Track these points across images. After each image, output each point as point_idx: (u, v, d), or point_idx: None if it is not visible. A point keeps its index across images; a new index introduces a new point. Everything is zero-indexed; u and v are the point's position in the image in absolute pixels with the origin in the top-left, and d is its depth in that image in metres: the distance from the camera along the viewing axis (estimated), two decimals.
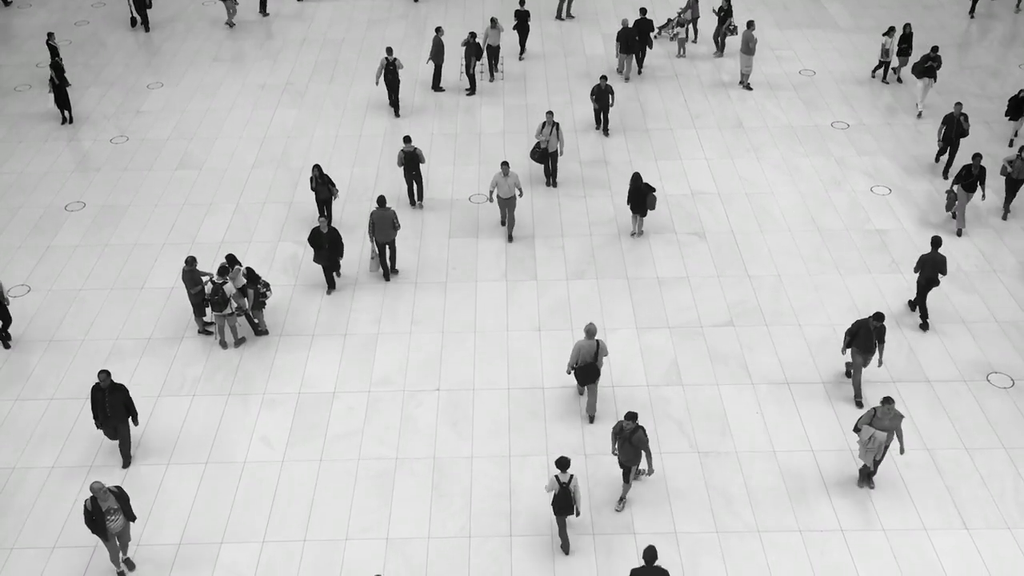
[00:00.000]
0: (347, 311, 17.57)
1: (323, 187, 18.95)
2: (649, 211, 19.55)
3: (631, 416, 12.88)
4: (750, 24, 23.95)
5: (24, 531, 13.61)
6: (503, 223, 19.46)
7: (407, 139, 19.71)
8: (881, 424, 13.29)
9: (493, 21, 24.65)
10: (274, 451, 14.80)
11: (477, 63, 24.63)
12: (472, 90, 24.86)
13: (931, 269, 16.38)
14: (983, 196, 18.88)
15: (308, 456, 14.70)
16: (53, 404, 15.69)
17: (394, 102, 23.86)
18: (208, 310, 17.43)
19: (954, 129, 20.32)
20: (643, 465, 14.47)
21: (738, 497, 13.91)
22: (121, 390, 13.92)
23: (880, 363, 14.93)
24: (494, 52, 24.96)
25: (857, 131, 22.95)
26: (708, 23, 28.69)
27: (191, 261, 16.33)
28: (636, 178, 18.68)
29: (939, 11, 29.34)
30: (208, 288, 16.19)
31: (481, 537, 13.40)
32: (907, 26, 24.41)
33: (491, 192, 18.67)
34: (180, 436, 15.09)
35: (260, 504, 13.95)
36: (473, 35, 24.15)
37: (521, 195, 19.06)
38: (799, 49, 27.05)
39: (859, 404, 15.35)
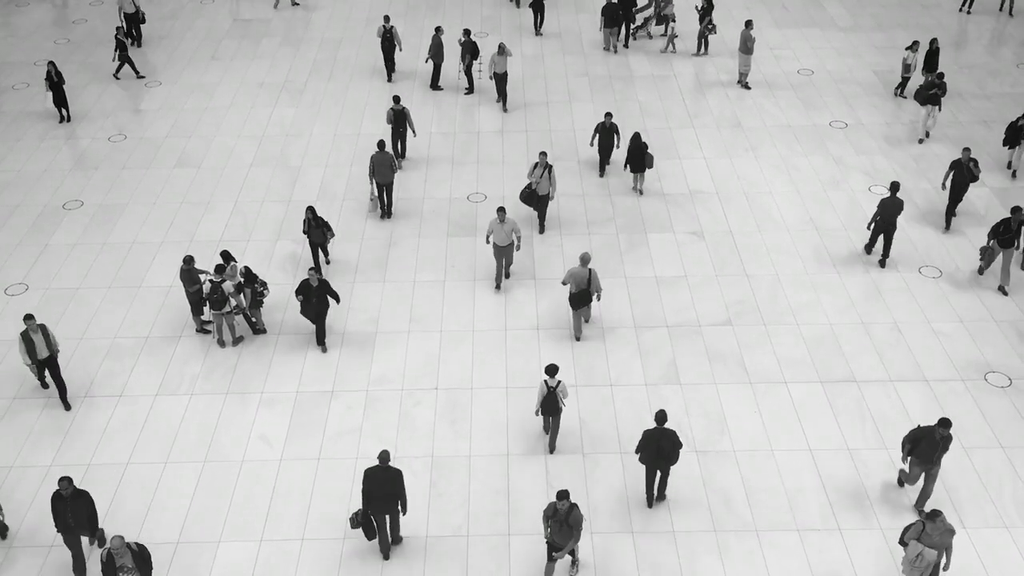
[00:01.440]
0: (345, 310, 17.56)
1: (317, 231, 17.68)
2: (648, 169, 21.00)
3: (563, 495, 11.62)
4: (748, 23, 23.96)
5: (22, 529, 13.60)
6: (496, 283, 17.80)
7: (396, 99, 21.24)
8: (931, 540, 11.71)
9: (501, 47, 23.00)
10: (272, 450, 14.80)
11: (473, 62, 24.52)
12: (470, 89, 24.85)
13: (890, 213, 17.81)
14: None
15: (306, 455, 14.70)
16: (51, 403, 15.68)
17: (388, 67, 25.35)
18: (206, 308, 17.41)
19: (963, 176, 18.60)
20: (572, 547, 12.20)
21: (736, 496, 13.93)
22: (84, 498, 12.27)
23: (935, 477, 13.09)
24: (501, 79, 23.49)
25: (855, 130, 22.97)
26: (690, 24, 28.68)
27: (189, 260, 16.32)
28: (636, 138, 20.14)
29: (936, 10, 29.36)
30: (207, 287, 16.19)
31: (479, 536, 13.40)
32: (933, 41, 23.38)
33: (488, 236, 17.31)
34: (178, 435, 15.08)
35: (258, 503, 13.95)
36: (467, 32, 24.16)
37: (519, 247, 17.52)
38: (797, 48, 27.06)
39: (900, 484, 13.70)
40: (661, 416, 12.98)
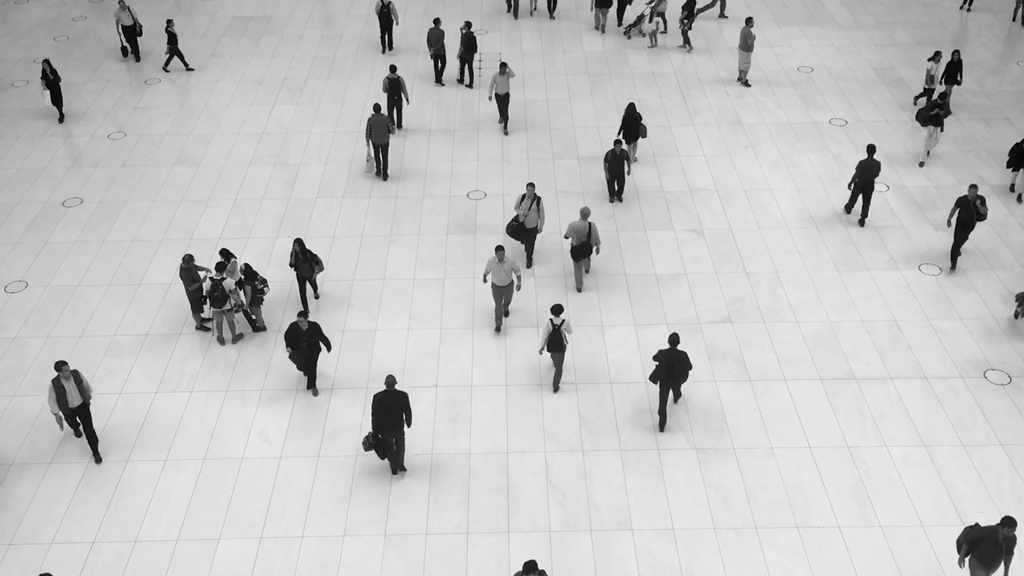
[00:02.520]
0: (345, 307, 17.56)
1: (304, 264, 16.64)
2: (641, 139, 21.79)
3: (530, 567, 10.88)
4: (748, 21, 23.95)
5: (22, 526, 13.61)
6: (496, 324, 16.82)
7: (392, 68, 22.37)
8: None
9: (502, 67, 21.92)
10: (272, 447, 14.80)
11: (472, 56, 24.55)
12: (470, 83, 24.88)
13: (868, 174, 18.88)
14: None
15: (306, 452, 14.70)
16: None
17: (385, 41, 26.54)
18: (206, 306, 17.41)
19: (970, 215, 17.57)
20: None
21: (735, 494, 13.93)
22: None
23: None
24: (503, 100, 22.43)
25: (855, 128, 22.96)
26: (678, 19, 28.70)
27: (188, 259, 16.31)
28: (630, 108, 20.89)
29: (937, 8, 29.35)
30: (207, 285, 16.18)
31: (479, 533, 13.41)
32: (956, 53, 22.58)
33: (485, 275, 16.37)
34: (178, 432, 15.09)
35: (258, 500, 13.95)
36: (468, 24, 24.26)
37: (519, 286, 16.46)
38: (797, 46, 27.05)
39: None
40: (674, 338, 14.40)
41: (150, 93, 25.05)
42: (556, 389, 15.65)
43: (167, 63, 25.93)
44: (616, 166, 19.61)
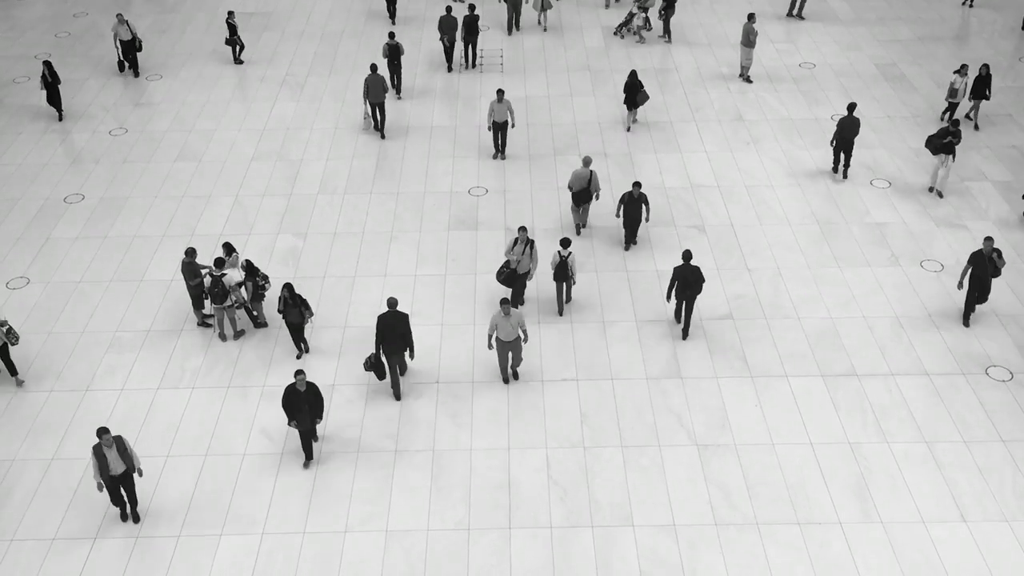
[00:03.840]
0: (346, 303, 17.56)
1: (294, 310, 15.64)
2: (640, 105, 22.23)
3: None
4: (751, 17, 23.91)
5: (24, 522, 13.63)
6: (503, 377, 15.76)
7: (391, 35, 23.36)
8: None
9: (499, 93, 20.64)
10: (274, 443, 14.81)
11: (474, 39, 25.41)
12: (473, 63, 25.72)
13: (848, 131, 19.99)
14: None
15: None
16: (52, 396, 15.70)
17: (391, 11, 27.73)
18: (207, 302, 17.41)
19: (985, 271, 16.14)
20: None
21: (737, 490, 13.93)
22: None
23: None
24: (500, 129, 21.23)
25: None
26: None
27: (191, 253, 16.32)
28: (632, 75, 21.81)
29: (938, 4, 29.30)
30: (207, 281, 16.18)
31: (480, 529, 13.42)
32: (984, 67, 21.66)
33: (490, 337, 15.18)
34: (179, 428, 15.10)
35: (259, 496, 13.96)
36: (472, 7, 24.90)
37: (527, 339, 15.45)
38: (799, 42, 27.01)
39: None
40: (687, 254, 15.95)
41: (151, 90, 25.04)
42: (561, 313, 17.05)
43: (239, 55, 26.04)
44: (633, 211, 18.08)
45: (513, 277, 16.76)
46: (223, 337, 16.73)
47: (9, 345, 15.17)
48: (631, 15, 27.08)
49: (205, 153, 22.26)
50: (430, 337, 16.79)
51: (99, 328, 17.14)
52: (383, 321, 14.75)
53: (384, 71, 25.72)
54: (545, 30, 27.69)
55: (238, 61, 26.14)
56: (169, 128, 23.29)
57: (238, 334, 16.79)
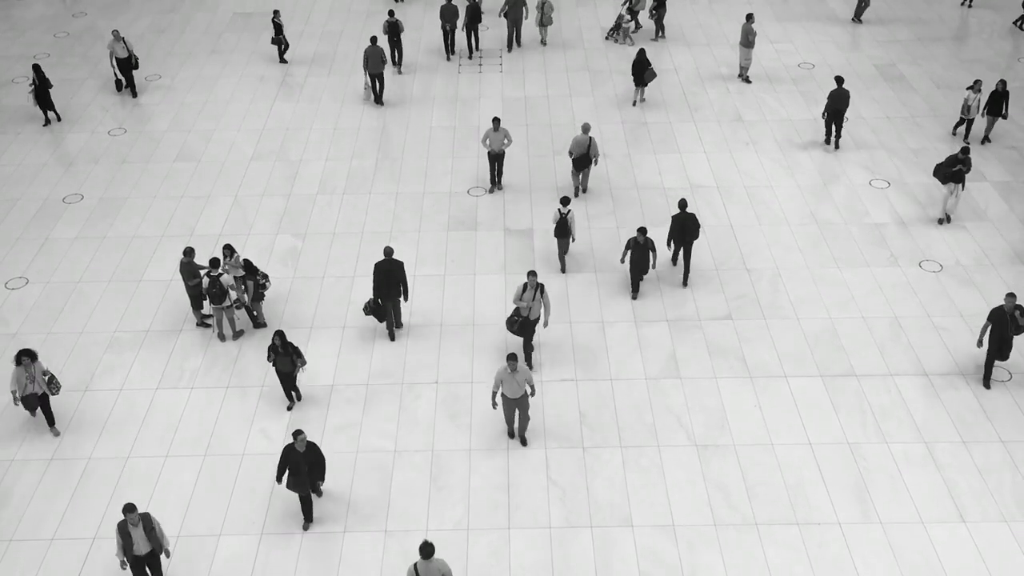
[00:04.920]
0: (345, 303, 17.56)
1: (285, 358, 14.73)
2: (648, 82, 23.23)
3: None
4: (749, 17, 23.92)
5: (23, 523, 13.62)
6: (509, 431, 14.82)
7: (391, 12, 24.43)
8: None
9: (495, 122, 19.70)
10: (273, 443, 14.80)
11: (478, 25, 26.05)
12: (477, 49, 26.29)
13: (838, 103, 20.99)
14: None
15: None
16: (52, 396, 15.68)
17: None
18: (206, 302, 17.40)
19: (1006, 330, 14.99)
20: None
21: (736, 490, 13.94)
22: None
23: None
24: (496, 159, 20.17)
25: (855, 124, 22.94)
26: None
27: (189, 252, 16.31)
28: (641, 52, 22.87)
29: (938, 4, 29.31)
30: (205, 281, 16.17)
31: (479, 530, 13.42)
32: (1001, 83, 21.01)
33: (494, 395, 14.19)
34: (179, 428, 15.09)
35: (259, 496, 13.96)
36: None
37: (533, 392, 14.41)
38: (798, 42, 27.02)
39: None
40: (683, 202, 17.13)
41: (150, 90, 25.03)
42: (564, 270, 18.09)
43: (283, 54, 25.99)
44: (639, 258, 16.99)
45: (525, 325, 15.64)
46: (222, 337, 16.72)
47: (49, 395, 14.75)
48: (620, 17, 27.08)
49: (204, 153, 22.25)
50: (429, 337, 16.78)
51: (98, 328, 17.13)
52: (380, 268, 15.79)
53: (385, 47, 26.60)
54: (544, 44, 27.03)
55: (283, 60, 26.09)
56: (168, 128, 23.28)
57: (237, 334, 16.78)
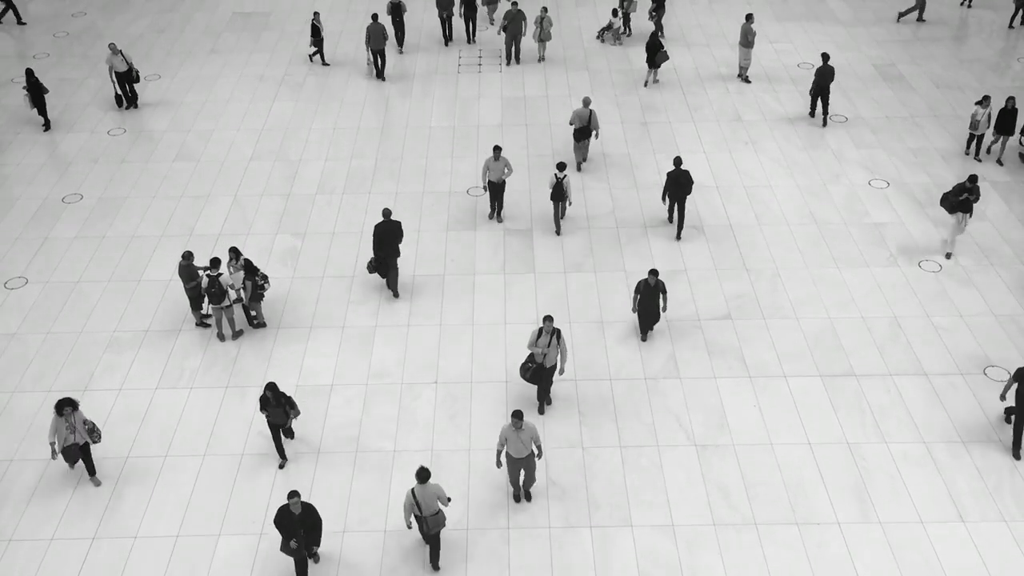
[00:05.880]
0: (345, 303, 17.56)
1: (277, 410, 13.81)
2: (660, 64, 24.13)
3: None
4: (749, 17, 23.93)
5: (22, 523, 13.62)
6: (515, 495, 13.80)
7: None
8: None
9: (496, 151, 18.82)
10: (272, 443, 14.79)
11: (475, 13, 26.65)
12: (473, 35, 27.00)
13: (824, 79, 22.18)
14: None
15: (306, 448, 14.70)
16: (51, 396, 15.68)
17: None
18: (205, 302, 17.40)
19: None
20: None
21: (735, 490, 13.94)
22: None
23: None
24: (497, 189, 19.21)
25: (855, 124, 22.95)
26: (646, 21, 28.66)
27: (188, 256, 16.30)
28: (653, 35, 23.96)
29: (937, 3, 29.31)
30: (204, 281, 16.17)
31: (479, 530, 13.41)
32: (1010, 100, 20.40)
33: (499, 454, 13.27)
34: (178, 428, 15.09)
35: (258, 496, 13.95)
36: None
37: (540, 454, 13.38)
38: (797, 42, 27.02)
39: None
40: (678, 160, 18.41)
41: (150, 90, 25.02)
42: (559, 232, 19.20)
43: (317, 55, 26.03)
44: (650, 303, 16.04)
45: (540, 373, 14.69)
46: (221, 337, 16.72)
47: (91, 443, 14.00)
48: (611, 22, 27.04)
49: (204, 153, 22.25)
50: (428, 338, 16.78)
51: (97, 328, 17.12)
52: (378, 229, 16.86)
53: (388, 28, 27.36)
54: (542, 60, 26.10)
55: (324, 63, 26.01)
56: (167, 128, 23.27)
57: (236, 334, 16.78)
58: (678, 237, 18.93)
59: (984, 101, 20.48)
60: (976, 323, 16.90)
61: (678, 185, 18.46)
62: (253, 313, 16.91)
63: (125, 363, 16.36)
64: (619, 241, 19.06)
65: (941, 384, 15.67)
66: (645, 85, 24.65)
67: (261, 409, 13.84)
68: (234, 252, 16.54)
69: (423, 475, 11.98)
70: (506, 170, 19.10)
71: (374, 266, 17.22)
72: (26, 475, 14.34)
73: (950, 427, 14.88)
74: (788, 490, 13.93)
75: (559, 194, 18.62)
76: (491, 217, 19.79)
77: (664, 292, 16.01)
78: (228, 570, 12.93)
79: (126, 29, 28.33)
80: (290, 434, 14.75)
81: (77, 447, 13.65)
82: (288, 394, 14.49)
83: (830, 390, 15.61)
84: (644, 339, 16.64)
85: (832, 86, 24.52)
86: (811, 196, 20.37)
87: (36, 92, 22.61)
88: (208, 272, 16.06)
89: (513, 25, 25.49)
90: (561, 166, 18.44)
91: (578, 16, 28.87)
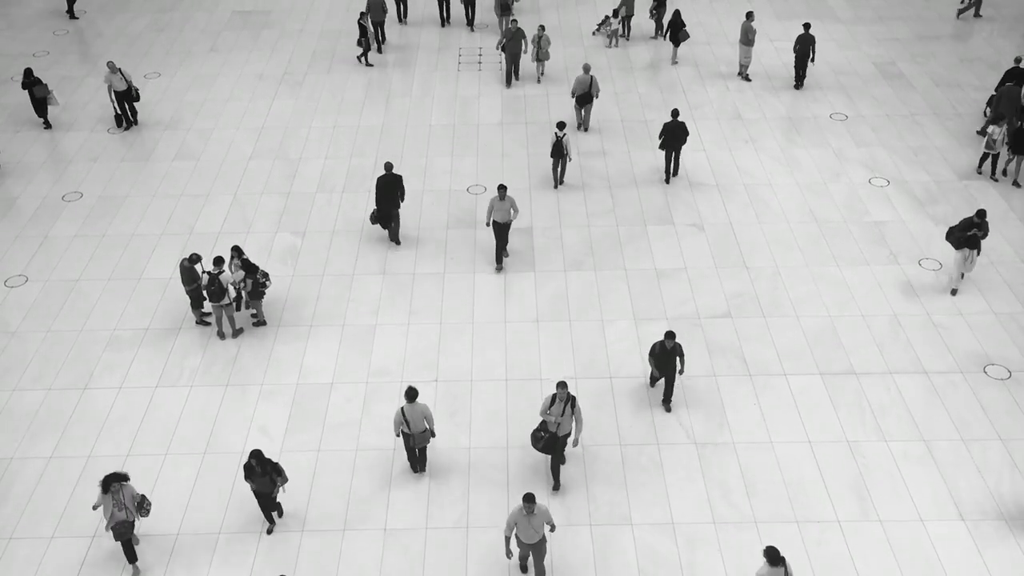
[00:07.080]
0: (345, 301, 17.56)
1: (263, 479, 12.76)
2: (683, 42, 25.38)
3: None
4: (749, 15, 23.92)
5: (22, 521, 13.62)
6: (523, 567, 12.85)
7: None
8: None
9: (501, 190, 17.45)
10: (272, 441, 14.81)
11: (474, 1, 27.45)
12: (472, 22, 27.77)
13: (804, 44, 23.69)
14: None
15: (306, 446, 14.71)
16: (51, 394, 15.69)
17: None
18: (205, 301, 17.39)
19: None
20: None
21: (735, 488, 13.94)
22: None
23: None
24: (502, 230, 17.89)
25: (855, 123, 22.95)
26: (646, 22, 28.64)
27: (194, 259, 16.25)
28: (676, 13, 25.15)
29: (937, 3, 29.30)
30: (204, 279, 16.17)
31: (479, 528, 13.42)
32: (1022, 118, 20.25)
33: (508, 541, 12.10)
34: (178, 426, 15.09)
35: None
36: None
37: (553, 527, 12.30)
38: None
39: None
40: (675, 112, 19.80)
41: (150, 88, 25.01)
42: (557, 186, 20.54)
43: (365, 56, 25.71)
44: (666, 367, 14.78)
45: (553, 442, 13.59)
46: (222, 335, 16.72)
47: (137, 519, 13.05)
48: (606, 17, 27.00)
49: (203, 152, 22.24)
50: (428, 336, 16.78)
51: (97, 326, 17.13)
52: (380, 181, 18.11)
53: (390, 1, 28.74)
54: (540, 80, 25.17)
55: (368, 64, 25.85)
56: (167, 126, 23.26)
57: (236, 332, 16.78)
58: (667, 181, 20.55)
59: (998, 119, 19.86)
60: (976, 321, 16.90)
61: (674, 136, 19.97)
62: (253, 312, 16.90)
63: (125, 361, 16.37)
64: (619, 239, 19.06)
65: (941, 382, 15.67)
66: (675, 62, 25.77)
67: (246, 478, 12.77)
68: (236, 251, 16.56)
69: (411, 394, 13.32)
70: (512, 212, 17.70)
71: (376, 217, 18.33)
72: (27, 473, 14.35)
73: (950, 425, 14.88)
74: (788, 488, 13.94)
75: (558, 151, 19.74)
76: (497, 263, 18.11)
77: (681, 356, 14.79)
78: (228, 568, 12.93)
79: (126, 28, 28.31)
80: (279, 510, 13.46)
81: (129, 523, 12.50)
82: (275, 460, 13.25)
83: (830, 388, 15.61)
84: (667, 409, 15.20)
85: (831, 85, 24.53)
86: (811, 194, 20.37)
87: (35, 91, 22.62)
88: (209, 271, 16.04)
89: (513, 44, 24.28)
90: (561, 125, 19.55)
91: (578, 14, 28.85)
